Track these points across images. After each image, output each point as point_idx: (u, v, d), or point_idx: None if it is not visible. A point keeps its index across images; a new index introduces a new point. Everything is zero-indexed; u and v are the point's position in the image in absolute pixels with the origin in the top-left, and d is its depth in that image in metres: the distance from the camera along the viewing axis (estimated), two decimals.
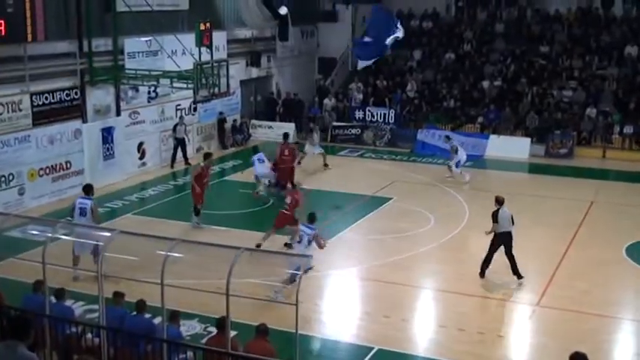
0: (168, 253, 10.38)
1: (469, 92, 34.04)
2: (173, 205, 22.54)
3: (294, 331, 10.38)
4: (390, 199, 22.87)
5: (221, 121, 30.39)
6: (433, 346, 13.44)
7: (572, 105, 32.20)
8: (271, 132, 31.79)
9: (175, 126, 27.12)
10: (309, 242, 15.13)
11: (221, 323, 10.58)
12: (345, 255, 18.05)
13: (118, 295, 11.82)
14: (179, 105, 27.57)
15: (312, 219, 15.68)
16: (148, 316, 11.55)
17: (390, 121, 32.34)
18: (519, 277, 16.02)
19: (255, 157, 22.98)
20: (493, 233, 16.04)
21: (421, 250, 18.39)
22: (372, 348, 13.10)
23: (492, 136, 30.53)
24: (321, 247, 15.38)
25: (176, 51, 25.28)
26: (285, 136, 25.02)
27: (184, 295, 11.90)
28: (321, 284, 16.02)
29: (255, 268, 12.34)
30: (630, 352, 13.68)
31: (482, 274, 16.26)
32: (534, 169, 28.38)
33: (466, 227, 20.14)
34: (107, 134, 24.29)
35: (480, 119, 32.15)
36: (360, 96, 34.23)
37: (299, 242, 15.55)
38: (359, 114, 32.99)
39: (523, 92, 33.18)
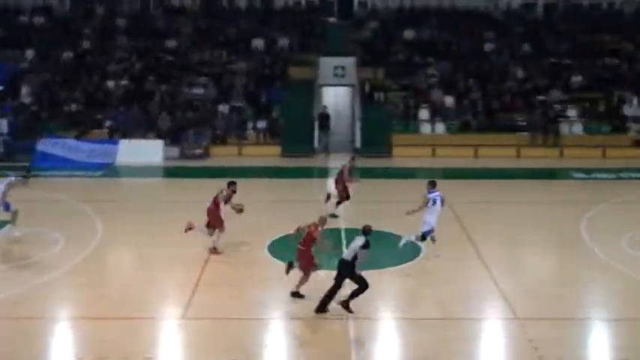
0: None
1: (93, 94, 33.42)
2: None
3: None
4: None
5: None
6: None
7: (204, 102, 33.21)
8: None
9: None
10: None
11: None
12: None
13: None
14: None
15: None
16: None
17: (3, 131, 30.47)
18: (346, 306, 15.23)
19: None
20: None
21: (50, 276, 17.50)
22: None
23: (122, 141, 30.32)
24: None
25: None
26: None
27: None
28: None
29: None
30: (279, 354, 14.36)
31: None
32: (170, 172, 28.73)
33: (100, 245, 19.64)
34: None
35: (108, 123, 31.71)
36: None
37: None
38: None
39: (152, 91, 33.42)
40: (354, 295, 15.01)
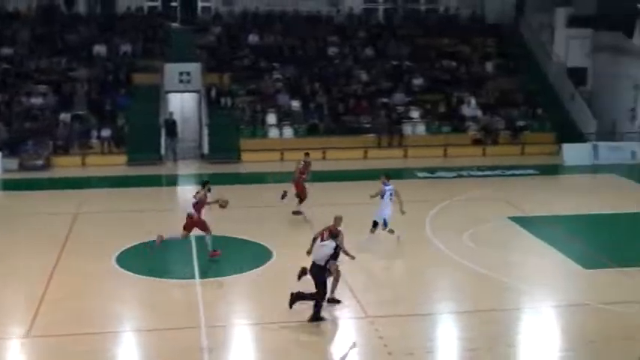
0: None
1: None
2: None
3: None
4: None
5: None
6: None
7: (43, 111, 32.06)
8: None
9: None
10: None
11: None
12: None
13: None
14: None
15: None
16: None
17: None
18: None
19: None
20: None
21: None
22: None
23: None
24: None
25: None
26: None
27: None
28: None
29: None
30: None
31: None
32: (9, 185, 27.58)
33: None
34: None
35: None
36: None
37: None
38: None
39: None
40: (303, 298, 15.30)
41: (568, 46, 37.57)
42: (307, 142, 32.41)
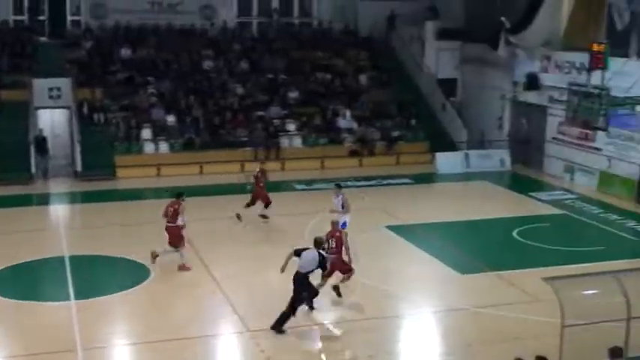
0: None
1: None
2: None
3: None
4: None
5: None
6: None
7: None
8: None
9: None
10: None
11: None
12: None
13: None
14: None
15: None
16: None
17: None
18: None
19: None
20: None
21: None
22: None
23: None
24: None
25: None
26: None
27: None
28: None
29: None
30: None
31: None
32: None
33: None
34: None
35: None
36: None
37: None
38: None
39: None
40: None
41: (438, 58, 38.69)
42: (184, 157, 32.12)
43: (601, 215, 25.59)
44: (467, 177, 32.00)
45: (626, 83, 25.57)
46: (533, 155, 33.11)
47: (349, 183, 29.89)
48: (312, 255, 15.75)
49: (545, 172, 31.92)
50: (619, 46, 26.04)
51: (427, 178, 31.77)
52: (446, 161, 33.00)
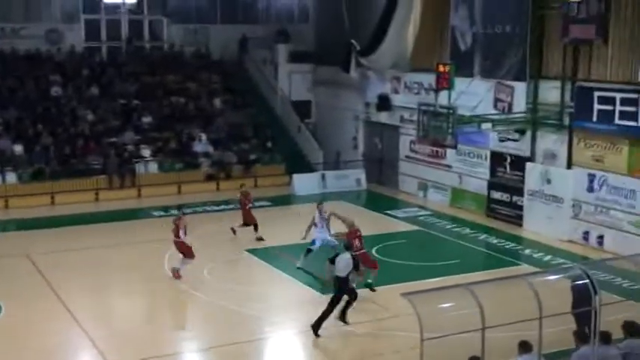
0: None
1: None
2: None
3: None
4: None
5: None
6: None
7: None
8: None
9: None
10: None
11: None
12: None
13: None
14: None
15: None
16: None
17: None
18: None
19: None
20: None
21: None
22: None
23: None
24: None
25: None
26: None
27: None
28: None
29: None
30: None
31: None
32: None
33: None
34: None
35: None
36: None
37: None
38: None
39: None
40: (348, 305, 16.88)
41: (291, 81, 39.20)
42: (33, 188, 30.98)
43: (454, 230, 26.62)
44: (324, 197, 32.42)
45: (471, 102, 26.78)
46: (388, 174, 34.05)
47: (207, 207, 29.80)
48: (345, 260, 16.96)
49: (400, 190, 32.83)
50: (464, 66, 27.19)
51: (285, 200, 32.02)
52: (303, 183, 33.38)
